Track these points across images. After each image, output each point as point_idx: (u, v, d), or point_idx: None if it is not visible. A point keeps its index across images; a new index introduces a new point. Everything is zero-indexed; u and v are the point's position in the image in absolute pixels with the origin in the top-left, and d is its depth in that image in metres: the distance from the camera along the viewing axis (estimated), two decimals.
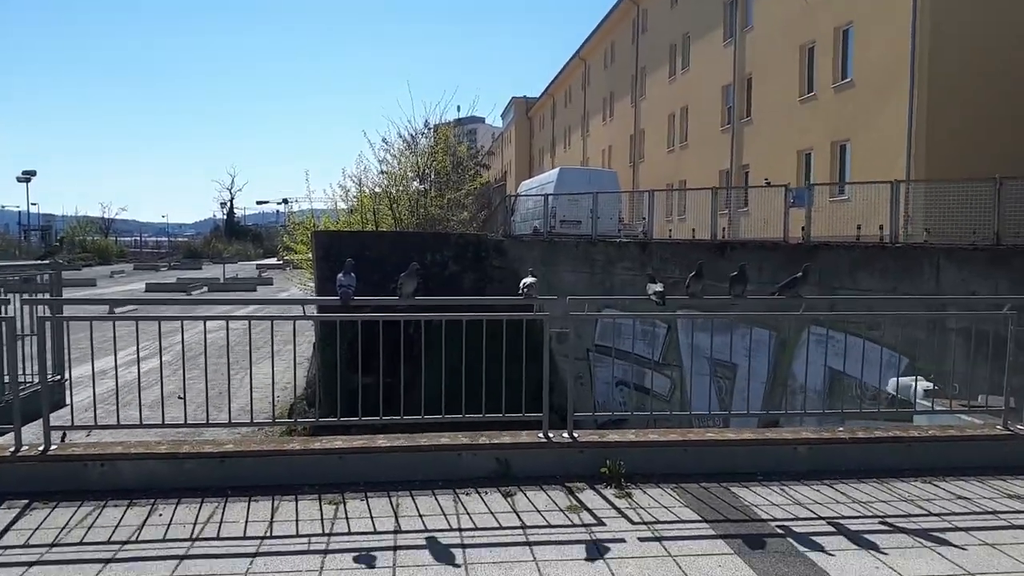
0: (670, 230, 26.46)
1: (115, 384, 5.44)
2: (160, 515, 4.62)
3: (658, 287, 5.55)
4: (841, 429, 5.87)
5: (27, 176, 42.89)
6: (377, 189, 27.91)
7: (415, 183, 27.83)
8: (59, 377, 8.54)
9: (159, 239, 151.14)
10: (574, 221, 23.20)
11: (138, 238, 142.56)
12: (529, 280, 5.62)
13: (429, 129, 29.61)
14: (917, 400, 6.94)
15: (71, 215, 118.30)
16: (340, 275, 5.46)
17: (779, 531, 4.47)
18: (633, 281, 17.84)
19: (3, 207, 70.59)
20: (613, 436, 5.53)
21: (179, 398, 5.32)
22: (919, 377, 7.53)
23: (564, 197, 23.36)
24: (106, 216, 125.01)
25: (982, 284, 12.63)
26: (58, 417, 5.58)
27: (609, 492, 5.04)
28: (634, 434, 5.58)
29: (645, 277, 5.74)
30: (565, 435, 5.52)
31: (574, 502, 4.86)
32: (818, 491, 5.15)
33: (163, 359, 5.29)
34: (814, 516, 4.71)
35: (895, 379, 7.90)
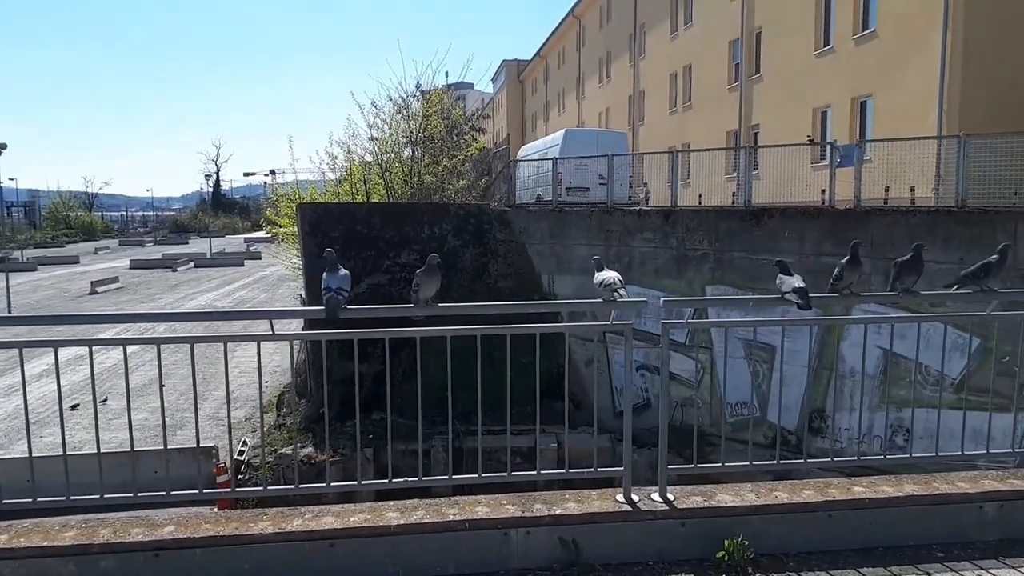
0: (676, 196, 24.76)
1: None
2: None
3: (797, 282, 3.83)
4: None
5: None
6: (368, 157, 25.97)
7: (407, 150, 25.88)
8: None
9: (145, 213, 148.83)
10: (581, 188, 21.32)
11: (124, 213, 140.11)
12: (611, 275, 3.91)
13: (421, 92, 27.58)
14: None
15: (53, 190, 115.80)
16: (324, 273, 3.70)
17: None
18: (655, 254, 16.14)
19: None
20: (725, 497, 3.85)
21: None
22: None
23: (570, 162, 21.44)
24: (89, 191, 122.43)
25: None
26: None
27: None
28: (754, 493, 3.90)
29: (775, 266, 4.02)
30: (656, 497, 3.85)
31: None
32: None
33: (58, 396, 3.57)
34: None
35: None
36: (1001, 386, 9.34)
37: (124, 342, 3.70)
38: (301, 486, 3.96)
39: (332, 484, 3.97)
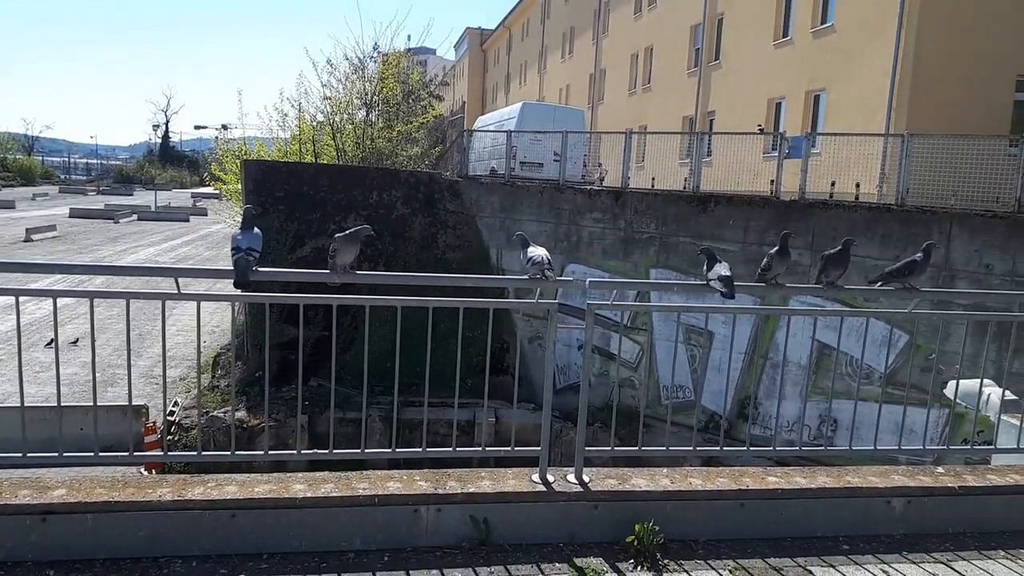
0: (628, 178, 24.86)
1: None
2: None
3: (723, 270, 3.79)
4: (941, 470, 4.30)
5: None
6: (320, 116, 25.39)
7: (361, 112, 25.35)
8: None
9: (89, 161, 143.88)
10: (535, 163, 21.18)
11: (66, 159, 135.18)
12: (540, 253, 3.83)
13: (379, 53, 27.01)
14: (1000, 416, 5.38)
15: None
16: (236, 232, 3.53)
17: None
18: (603, 235, 16.15)
19: None
20: (639, 481, 3.83)
21: None
22: (979, 381, 5.92)
23: (526, 136, 21.23)
24: (29, 133, 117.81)
25: (998, 258, 11.32)
26: None
27: None
28: (669, 478, 3.89)
29: (701, 254, 3.97)
30: (571, 478, 3.82)
31: None
32: (934, 575, 3.58)
33: None
34: None
35: (954, 382, 6.33)
36: (923, 381, 9.62)
37: (55, 294, 3.51)
38: (238, 452, 3.82)
39: (270, 452, 3.84)
